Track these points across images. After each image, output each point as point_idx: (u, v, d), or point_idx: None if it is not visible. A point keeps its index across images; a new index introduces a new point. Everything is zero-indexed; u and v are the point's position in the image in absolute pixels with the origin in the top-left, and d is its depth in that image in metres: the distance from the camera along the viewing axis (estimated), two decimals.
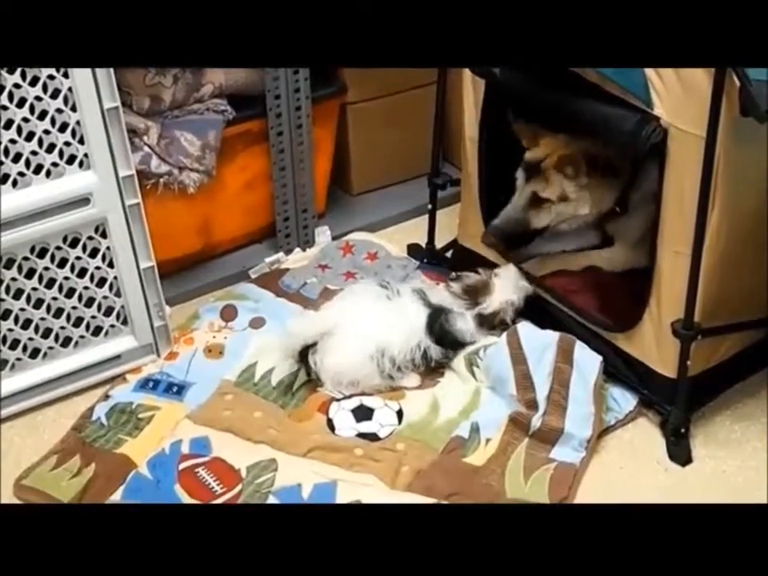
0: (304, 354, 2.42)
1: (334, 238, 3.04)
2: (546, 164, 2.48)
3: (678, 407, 2.30)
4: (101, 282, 2.42)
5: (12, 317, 2.34)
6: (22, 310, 2.35)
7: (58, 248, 2.32)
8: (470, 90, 2.59)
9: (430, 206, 2.91)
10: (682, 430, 2.31)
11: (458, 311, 2.51)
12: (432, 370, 2.51)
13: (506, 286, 2.55)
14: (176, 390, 2.47)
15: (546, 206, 2.52)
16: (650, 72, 2.04)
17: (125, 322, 2.50)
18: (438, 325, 2.48)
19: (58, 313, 2.40)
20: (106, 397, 2.46)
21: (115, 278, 2.43)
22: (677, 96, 2.02)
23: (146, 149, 2.60)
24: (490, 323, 2.53)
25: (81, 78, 2.17)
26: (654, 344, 2.31)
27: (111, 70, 2.20)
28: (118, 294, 2.45)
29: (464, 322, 2.51)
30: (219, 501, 2.18)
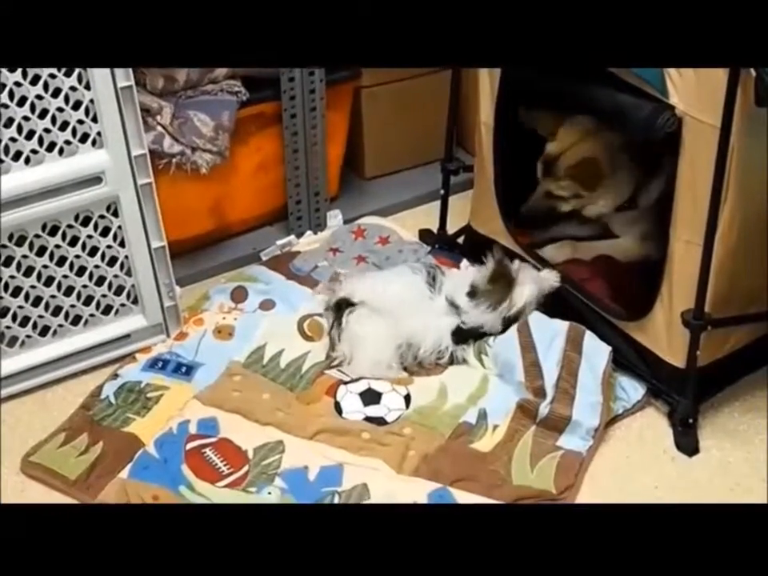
0: (340, 308, 2.43)
1: (345, 222, 3.04)
2: (562, 164, 2.50)
3: (687, 397, 2.30)
4: (112, 261, 2.43)
5: (22, 294, 2.35)
6: (33, 287, 2.35)
7: (70, 226, 2.33)
8: (486, 76, 2.58)
9: (442, 192, 2.90)
10: (690, 421, 2.31)
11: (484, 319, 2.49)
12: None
13: (529, 283, 2.52)
14: (185, 370, 2.48)
15: (561, 203, 2.56)
16: None
17: (135, 302, 2.51)
18: (465, 335, 2.49)
19: (69, 291, 2.41)
20: (115, 376, 2.47)
21: (126, 257, 2.43)
22: (692, 85, 2.02)
23: (159, 128, 2.60)
24: (514, 320, 2.51)
25: None
26: (664, 333, 2.30)
27: None
28: (128, 274, 2.46)
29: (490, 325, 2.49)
30: (225, 482, 2.18)
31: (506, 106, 2.57)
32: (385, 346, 2.44)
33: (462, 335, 2.48)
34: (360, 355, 2.44)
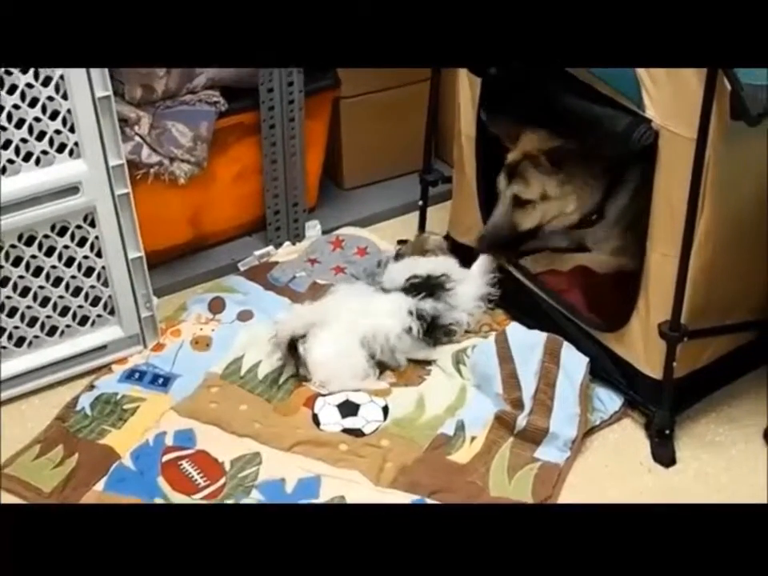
0: (293, 346, 2.42)
1: (324, 232, 3.04)
2: (524, 164, 2.49)
3: (663, 408, 2.30)
4: (88, 272, 2.41)
5: None
6: (9, 297, 2.34)
7: (46, 236, 2.31)
8: (466, 87, 2.58)
9: (420, 202, 2.91)
10: (667, 432, 2.31)
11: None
12: (438, 343, 2.55)
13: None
14: (162, 381, 2.47)
15: (530, 208, 2.52)
16: (642, 74, 2.04)
17: (112, 312, 2.50)
18: (415, 281, 2.55)
19: (45, 301, 2.39)
20: (91, 387, 2.46)
21: (103, 267, 2.42)
22: (668, 98, 2.03)
23: (137, 138, 2.59)
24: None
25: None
26: (641, 345, 2.31)
27: None
28: (105, 284, 2.45)
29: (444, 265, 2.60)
30: (202, 494, 2.18)
31: (487, 117, 2.58)
32: (347, 351, 2.44)
33: (415, 288, 2.53)
34: (329, 370, 2.44)
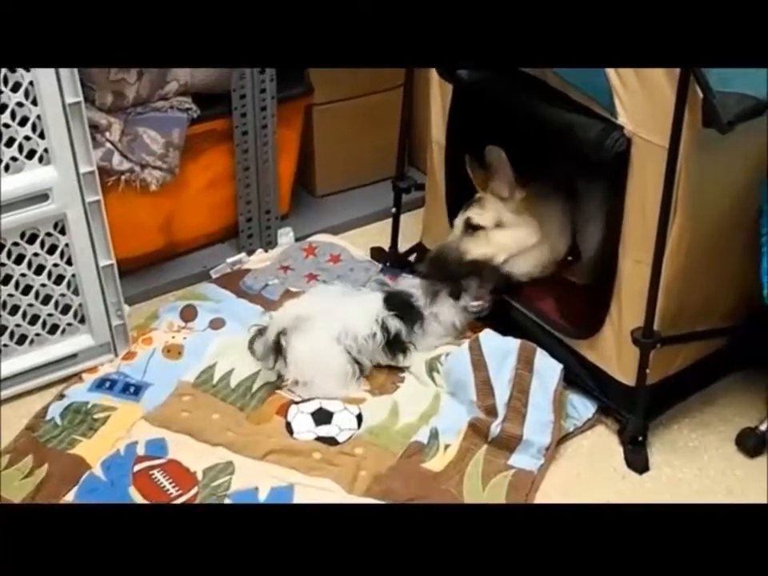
0: (278, 341, 2.41)
1: (296, 240, 3.03)
2: (487, 193, 2.50)
3: (637, 415, 2.31)
4: (58, 280, 2.39)
5: None
6: None
7: (15, 244, 2.29)
8: (438, 94, 2.59)
9: (393, 210, 2.90)
10: (640, 438, 2.32)
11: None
12: (393, 359, 2.53)
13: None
14: (133, 390, 2.45)
15: (482, 235, 2.51)
16: (614, 81, 2.05)
17: (82, 321, 2.48)
18: (395, 297, 2.55)
19: (14, 310, 2.37)
20: (61, 396, 2.43)
21: (73, 275, 2.40)
22: (641, 106, 2.03)
23: (108, 145, 2.58)
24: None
25: (43, 72, 2.15)
26: (614, 351, 2.31)
27: None
28: (75, 292, 2.43)
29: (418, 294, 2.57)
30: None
31: (458, 124, 2.58)
32: (326, 347, 2.44)
33: (391, 302, 2.52)
34: (313, 371, 2.43)
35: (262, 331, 2.46)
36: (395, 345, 2.51)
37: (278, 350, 2.41)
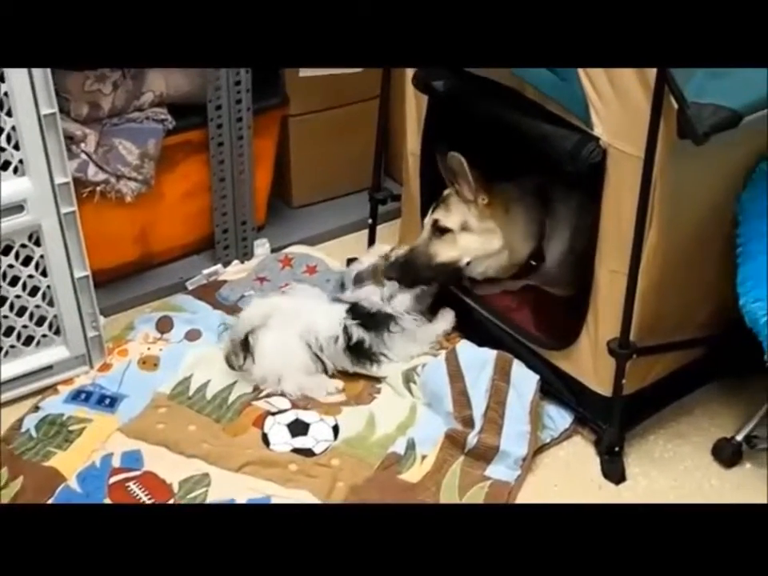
0: (246, 339, 2.43)
1: (273, 251, 3.02)
2: (451, 196, 2.49)
3: (613, 425, 2.31)
4: (33, 291, 2.38)
5: None
6: None
7: None
8: (413, 105, 2.60)
9: (370, 221, 2.90)
10: (617, 449, 2.32)
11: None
12: (360, 366, 2.54)
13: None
14: (108, 402, 2.44)
15: (449, 238, 2.49)
16: (590, 92, 2.06)
17: (57, 332, 2.46)
18: (358, 307, 2.55)
19: None
20: (36, 408, 2.42)
21: (48, 287, 2.38)
22: (616, 117, 2.04)
23: (83, 156, 2.57)
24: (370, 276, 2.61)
25: (17, 82, 2.14)
26: (590, 362, 2.32)
27: (49, 74, 2.16)
28: (50, 304, 2.41)
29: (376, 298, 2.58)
30: None
31: (433, 136, 2.59)
32: (293, 345, 2.47)
33: (355, 311, 2.53)
34: (276, 363, 2.46)
35: (230, 330, 2.51)
36: (359, 352, 2.51)
37: (245, 347, 2.42)
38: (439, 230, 2.49)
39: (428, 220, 2.52)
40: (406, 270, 2.54)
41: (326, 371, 2.50)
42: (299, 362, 2.47)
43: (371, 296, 2.58)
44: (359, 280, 2.62)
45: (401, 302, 2.58)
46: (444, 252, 2.50)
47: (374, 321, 2.54)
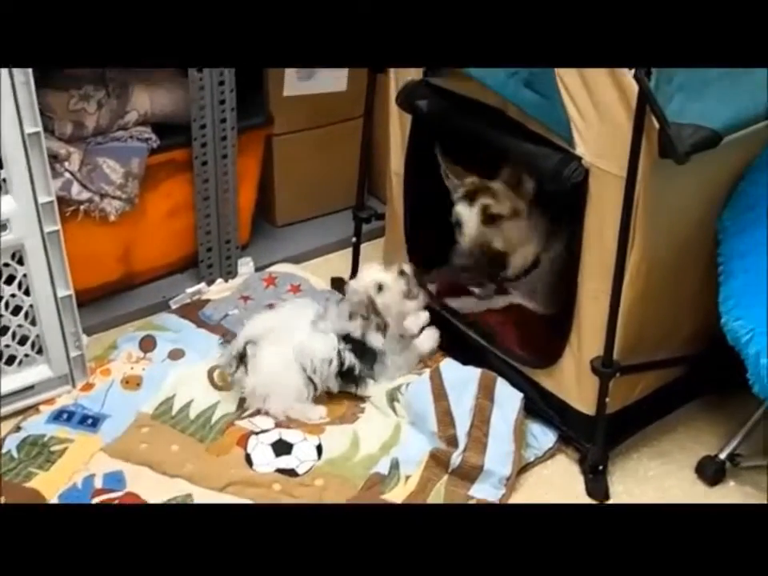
0: (243, 350, 2.42)
1: (257, 270, 3.02)
2: (491, 184, 2.48)
3: (597, 444, 2.32)
4: (16, 310, 2.37)
5: None
6: None
7: None
8: (397, 125, 2.60)
9: (354, 239, 2.91)
10: (600, 467, 2.32)
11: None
12: (345, 387, 2.53)
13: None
14: (91, 422, 2.42)
15: (500, 225, 2.49)
16: (572, 111, 2.07)
17: (40, 352, 2.45)
18: (357, 341, 2.51)
19: None
20: (18, 428, 2.40)
21: (31, 306, 2.38)
22: (598, 136, 2.05)
23: (67, 175, 2.56)
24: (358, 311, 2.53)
25: (2, 101, 2.13)
26: (573, 381, 2.32)
27: (33, 93, 2.16)
28: (33, 323, 2.40)
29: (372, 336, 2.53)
30: None
31: (417, 155, 2.59)
32: (289, 365, 2.45)
33: (348, 339, 2.50)
34: (272, 387, 2.44)
35: (229, 340, 2.50)
36: (348, 377, 2.51)
37: (241, 359, 2.41)
38: (490, 218, 2.49)
39: (472, 211, 2.50)
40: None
41: (315, 390, 2.48)
42: (290, 383, 2.45)
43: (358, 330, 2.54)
44: (352, 315, 2.54)
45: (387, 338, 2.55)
46: (497, 240, 2.51)
47: (363, 351, 2.52)
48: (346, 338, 2.50)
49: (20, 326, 2.39)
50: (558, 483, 2.35)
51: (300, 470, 2.31)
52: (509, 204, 2.48)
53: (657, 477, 2.37)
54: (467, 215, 2.51)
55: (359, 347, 2.50)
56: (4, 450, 2.33)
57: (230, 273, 2.99)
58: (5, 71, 2.10)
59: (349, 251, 2.95)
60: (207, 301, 2.88)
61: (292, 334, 2.48)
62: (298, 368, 2.45)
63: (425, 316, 2.61)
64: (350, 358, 2.48)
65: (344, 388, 2.53)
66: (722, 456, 2.34)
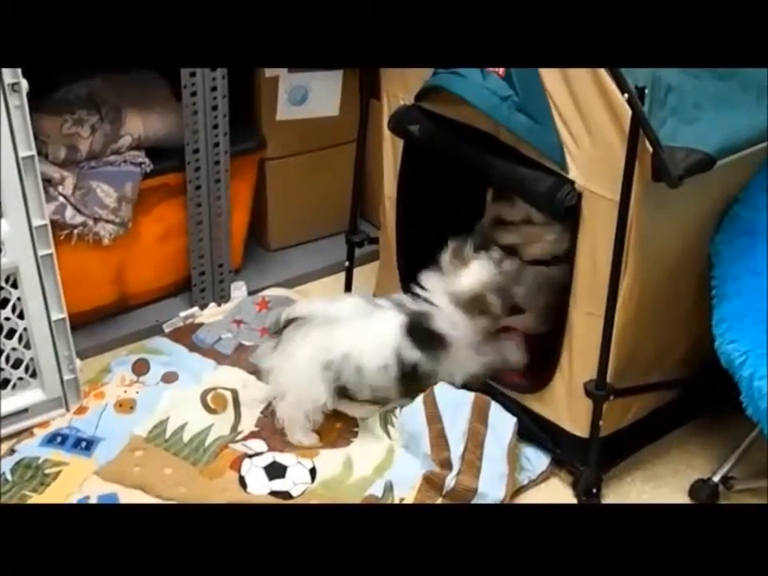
0: (282, 326, 2.36)
1: (249, 294, 3.02)
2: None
3: (590, 467, 2.32)
4: (10, 334, 2.37)
5: None
6: None
7: None
8: (390, 149, 2.62)
9: (347, 263, 2.91)
10: (594, 490, 2.33)
11: (438, 308, 2.39)
12: (407, 383, 2.41)
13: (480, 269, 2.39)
14: (85, 445, 2.42)
15: (510, 230, 2.49)
16: (564, 135, 2.09)
17: (33, 375, 2.45)
18: (417, 325, 2.38)
19: None
20: (12, 451, 2.39)
21: (25, 329, 2.37)
22: (591, 160, 2.07)
23: (61, 199, 2.56)
24: (467, 305, 2.38)
25: None
26: (565, 404, 2.33)
27: (27, 117, 2.17)
28: (27, 346, 2.40)
29: (443, 319, 2.39)
30: None
31: (409, 180, 2.61)
32: (315, 371, 2.34)
33: (409, 332, 2.37)
34: (291, 384, 2.37)
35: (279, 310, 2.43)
36: (413, 379, 2.40)
37: (278, 333, 2.36)
38: (501, 222, 2.50)
39: (491, 211, 2.52)
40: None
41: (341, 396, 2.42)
42: (309, 397, 2.37)
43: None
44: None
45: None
46: (506, 238, 2.50)
47: (427, 337, 2.37)
48: (411, 326, 2.36)
49: (14, 349, 2.39)
50: None
51: (294, 493, 2.31)
52: (523, 213, 2.45)
53: (650, 500, 2.37)
54: (489, 207, 2.54)
55: (424, 340, 2.37)
56: None
57: (222, 297, 2.99)
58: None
59: (342, 275, 2.96)
60: (200, 324, 2.87)
61: (335, 336, 2.34)
62: (327, 380, 2.34)
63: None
64: (412, 356, 2.37)
65: (402, 394, 2.45)
66: (716, 479, 2.34)
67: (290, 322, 2.36)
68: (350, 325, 2.38)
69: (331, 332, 2.35)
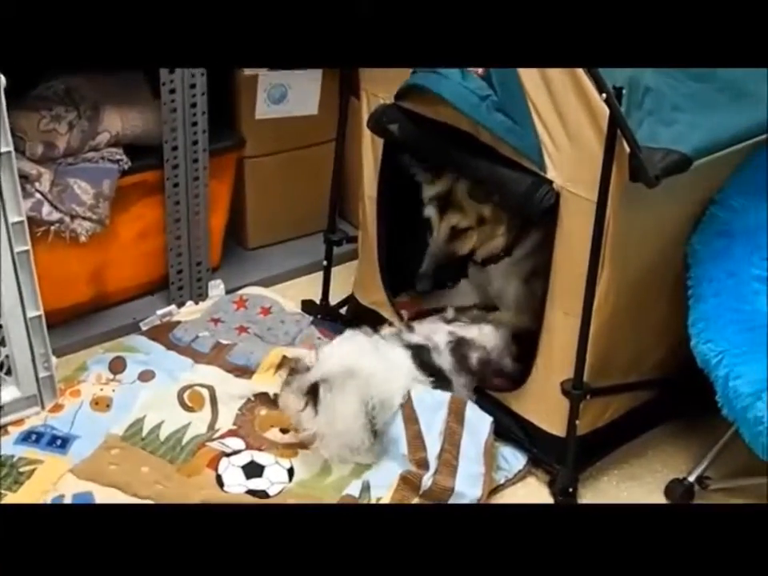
0: (314, 389, 2.30)
1: (227, 292, 3.02)
2: (458, 195, 2.48)
3: (567, 466, 2.32)
4: None
5: None
6: None
7: None
8: (370, 149, 2.61)
9: (325, 263, 2.91)
10: (570, 490, 2.33)
11: (435, 346, 2.48)
12: None
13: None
14: (60, 443, 2.40)
15: (468, 235, 2.51)
16: (543, 135, 2.09)
17: (8, 372, 2.43)
18: (422, 361, 2.45)
19: None
20: None
21: (0, 326, 2.36)
22: (569, 160, 2.07)
23: (38, 195, 2.55)
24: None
25: None
26: (542, 403, 2.34)
27: (4, 113, 2.15)
28: (2, 344, 2.38)
29: (438, 356, 2.48)
30: None
31: (389, 179, 2.61)
32: (356, 417, 2.32)
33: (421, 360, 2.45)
34: (334, 432, 2.33)
35: (299, 370, 2.37)
36: None
37: (314, 396, 2.30)
38: (456, 232, 2.51)
39: (442, 226, 2.51)
40: (433, 275, 2.57)
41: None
42: (358, 447, 2.36)
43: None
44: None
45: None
46: (464, 247, 2.53)
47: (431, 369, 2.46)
48: (417, 357, 2.44)
49: None
50: None
51: (271, 492, 2.31)
52: (474, 215, 2.48)
53: (626, 499, 2.38)
54: (436, 225, 2.53)
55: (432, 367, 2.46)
56: None
57: (200, 295, 2.98)
58: None
59: (320, 274, 2.95)
60: (177, 323, 2.86)
61: (358, 377, 2.33)
62: (362, 419, 2.32)
63: None
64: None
65: None
66: (691, 479, 2.35)
67: (316, 384, 2.31)
68: (374, 371, 2.37)
69: (363, 385, 2.33)
